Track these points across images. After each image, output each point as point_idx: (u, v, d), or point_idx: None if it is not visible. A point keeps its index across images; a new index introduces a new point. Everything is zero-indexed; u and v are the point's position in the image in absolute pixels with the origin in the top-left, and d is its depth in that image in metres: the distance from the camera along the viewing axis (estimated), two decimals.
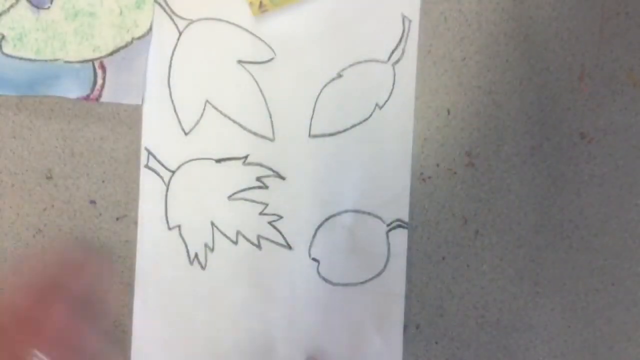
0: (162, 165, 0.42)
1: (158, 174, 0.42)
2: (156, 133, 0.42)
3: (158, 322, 0.43)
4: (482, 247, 0.42)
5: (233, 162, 0.42)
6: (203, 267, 0.43)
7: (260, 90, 0.41)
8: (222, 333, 0.43)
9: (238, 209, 0.42)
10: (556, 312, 0.42)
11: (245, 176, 0.42)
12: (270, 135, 0.42)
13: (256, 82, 0.41)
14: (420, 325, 0.43)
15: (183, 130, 0.42)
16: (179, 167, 0.42)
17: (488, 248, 0.42)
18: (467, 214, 0.42)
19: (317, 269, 0.42)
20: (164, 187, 0.42)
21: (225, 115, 0.42)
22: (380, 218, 0.42)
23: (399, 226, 0.42)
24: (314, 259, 0.42)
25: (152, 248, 0.43)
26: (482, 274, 0.42)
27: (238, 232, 0.42)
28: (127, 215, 0.43)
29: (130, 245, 0.43)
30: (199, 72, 0.42)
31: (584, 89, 0.41)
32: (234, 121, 0.42)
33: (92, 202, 0.43)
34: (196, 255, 0.43)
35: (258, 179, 0.42)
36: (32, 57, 0.42)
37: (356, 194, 0.42)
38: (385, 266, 0.42)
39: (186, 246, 0.43)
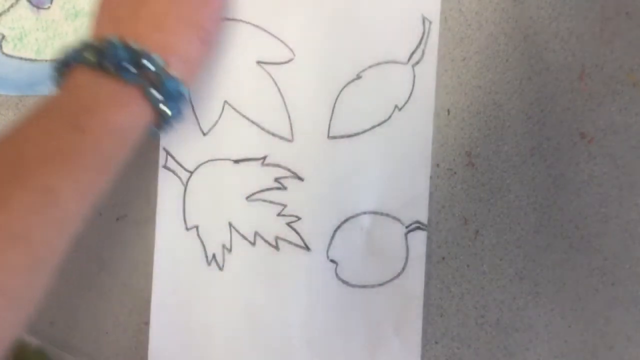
0: (180, 165, 0.42)
1: (176, 174, 0.42)
2: (174, 133, 0.42)
3: (175, 322, 0.43)
4: (482, 247, 0.42)
5: (251, 162, 0.42)
6: (221, 268, 0.42)
7: (279, 91, 0.41)
8: (240, 334, 0.43)
9: (256, 209, 0.42)
10: (556, 312, 0.42)
11: (263, 177, 0.42)
12: (288, 136, 0.42)
13: (275, 82, 0.41)
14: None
15: (201, 130, 0.42)
16: (197, 168, 0.42)
17: (488, 248, 0.42)
18: (467, 214, 0.42)
19: (335, 270, 0.42)
20: (182, 188, 0.42)
21: (243, 116, 0.42)
22: (399, 220, 0.42)
23: (418, 228, 0.41)
24: (332, 261, 0.42)
25: (169, 248, 0.43)
26: (482, 274, 0.42)
27: (256, 233, 0.42)
28: (127, 215, 0.43)
29: (130, 245, 0.43)
30: (217, 73, 0.42)
31: (584, 89, 0.41)
32: (253, 122, 0.42)
33: None
34: (214, 256, 0.42)
35: (276, 179, 0.42)
36: (33, 57, 0.42)
37: (375, 196, 0.42)
38: (403, 268, 0.42)
39: (204, 247, 0.42)
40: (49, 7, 0.42)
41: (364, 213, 0.42)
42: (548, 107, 0.41)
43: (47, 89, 0.42)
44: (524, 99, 0.41)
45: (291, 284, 0.42)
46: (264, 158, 0.42)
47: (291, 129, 0.42)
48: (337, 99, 0.41)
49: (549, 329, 0.43)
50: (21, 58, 0.42)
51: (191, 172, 0.42)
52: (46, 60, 0.42)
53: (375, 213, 0.42)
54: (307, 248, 0.42)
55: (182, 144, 0.42)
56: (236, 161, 0.42)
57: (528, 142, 0.42)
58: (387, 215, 0.42)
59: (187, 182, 0.42)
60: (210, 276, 0.43)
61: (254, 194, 0.42)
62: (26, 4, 0.42)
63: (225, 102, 0.42)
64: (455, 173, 0.42)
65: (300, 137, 0.42)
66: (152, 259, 0.43)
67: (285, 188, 0.42)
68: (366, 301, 0.42)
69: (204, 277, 0.43)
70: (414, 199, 0.41)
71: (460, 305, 0.42)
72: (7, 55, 0.42)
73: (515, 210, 0.42)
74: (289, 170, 0.42)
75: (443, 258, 0.42)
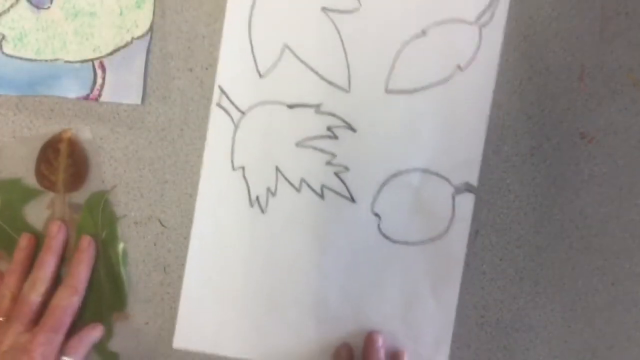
0: (234, 105, 0.42)
1: (228, 114, 0.42)
2: (231, 72, 0.42)
3: (212, 261, 0.43)
4: (482, 247, 0.42)
5: (305, 109, 0.42)
6: (263, 211, 0.42)
7: (341, 40, 0.41)
8: (276, 278, 0.42)
9: (305, 156, 0.42)
10: (556, 312, 0.42)
11: (316, 124, 0.42)
12: (346, 86, 0.41)
13: (338, 31, 0.41)
14: None
15: (258, 72, 0.42)
16: (250, 109, 0.42)
17: (488, 248, 0.42)
18: None
19: (378, 225, 0.42)
20: (233, 127, 0.42)
21: (302, 62, 0.41)
22: (448, 180, 0.41)
23: (467, 190, 0.41)
24: (376, 215, 0.42)
25: (213, 187, 0.42)
26: (482, 274, 0.42)
27: (302, 180, 0.42)
28: (127, 215, 0.43)
29: (130, 245, 0.43)
30: (281, 15, 0.41)
31: (584, 89, 0.41)
32: (311, 68, 0.41)
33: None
34: (257, 199, 0.42)
35: (329, 128, 0.41)
36: (32, 57, 0.42)
37: (426, 154, 0.41)
38: (447, 229, 0.41)
39: (248, 188, 0.42)
40: (49, 7, 0.42)
41: (414, 170, 0.41)
42: (548, 107, 0.41)
43: (47, 89, 0.42)
44: (524, 99, 0.41)
45: (332, 234, 0.42)
46: (319, 106, 0.41)
47: (349, 79, 0.41)
48: (399, 53, 0.41)
49: (549, 329, 0.43)
50: (21, 58, 0.42)
51: (243, 113, 0.42)
52: (46, 60, 0.42)
53: (425, 171, 0.41)
54: (352, 199, 0.42)
55: (237, 84, 0.42)
56: (290, 106, 0.42)
57: (528, 142, 0.42)
58: (437, 174, 0.41)
59: (238, 123, 0.42)
60: (252, 218, 0.42)
61: (304, 140, 0.42)
62: (26, 4, 0.42)
63: (286, 45, 0.41)
64: None
65: (358, 88, 0.41)
66: (152, 258, 0.43)
67: (336, 137, 0.41)
68: (406, 258, 0.42)
69: (246, 219, 0.42)
70: (466, 161, 0.41)
71: (460, 305, 0.42)
72: (7, 55, 0.42)
73: (515, 210, 0.42)
74: (342, 120, 0.41)
75: None
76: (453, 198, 0.41)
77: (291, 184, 0.42)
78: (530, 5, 0.41)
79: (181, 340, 0.43)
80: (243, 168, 0.42)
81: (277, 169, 0.42)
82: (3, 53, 0.42)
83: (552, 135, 0.41)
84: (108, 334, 0.43)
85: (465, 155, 0.41)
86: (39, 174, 0.42)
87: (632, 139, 0.41)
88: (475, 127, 0.41)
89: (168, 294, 0.43)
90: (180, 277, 0.43)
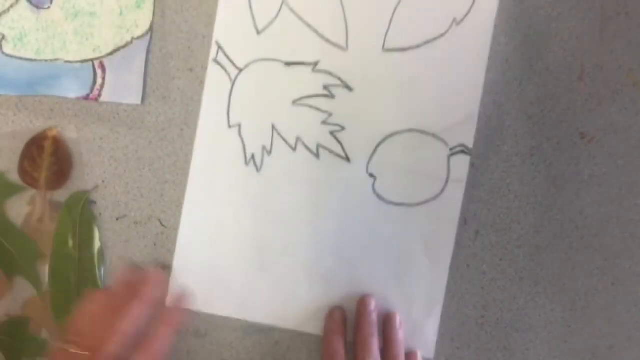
0: (231, 61, 0.42)
1: (225, 70, 0.42)
2: (228, 28, 0.41)
3: (206, 217, 0.43)
4: (482, 247, 0.42)
5: (302, 67, 0.42)
6: (258, 169, 0.42)
7: None
8: (270, 236, 0.42)
9: (301, 115, 0.42)
10: (556, 312, 0.42)
11: (312, 83, 0.42)
12: (343, 45, 0.41)
13: None
14: None
15: (256, 28, 0.42)
16: (247, 66, 0.42)
17: (488, 248, 0.42)
18: (467, 214, 0.42)
19: (373, 185, 0.42)
20: (230, 84, 0.42)
21: (300, 19, 0.41)
22: (443, 141, 0.41)
23: (462, 152, 0.41)
24: (371, 175, 0.42)
25: (209, 143, 0.42)
26: (482, 274, 0.42)
27: (298, 139, 0.42)
28: (127, 215, 0.43)
29: (130, 245, 0.43)
30: None
31: (584, 89, 0.41)
32: (309, 25, 0.41)
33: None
34: (253, 157, 0.42)
35: (325, 87, 0.41)
36: (32, 57, 0.42)
37: (422, 114, 0.41)
38: (442, 190, 0.41)
39: (244, 146, 0.42)
40: (49, 7, 0.42)
41: (410, 130, 0.41)
42: (548, 107, 0.41)
43: (47, 89, 0.42)
44: (524, 99, 0.41)
45: (327, 193, 0.42)
46: (316, 64, 0.41)
47: (347, 38, 0.41)
48: (395, 10, 0.41)
49: (549, 329, 0.43)
50: (21, 58, 0.42)
51: (240, 70, 0.42)
52: (46, 60, 0.42)
53: (420, 132, 0.41)
54: (348, 159, 0.42)
55: (234, 39, 0.42)
56: (287, 64, 0.42)
57: (528, 142, 0.42)
58: (433, 135, 0.41)
59: (235, 79, 0.42)
60: (247, 176, 0.42)
61: (300, 98, 0.42)
62: (26, 4, 0.42)
63: (284, 2, 0.41)
64: None
65: (355, 46, 0.41)
66: (152, 258, 0.43)
67: (333, 96, 0.41)
68: (400, 219, 0.42)
69: (241, 176, 0.42)
70: (462, 122, 0.41)
71: (460, 305, 0.43)
72: (7, 55, 0.42)
73: (515, 210, 0.42)
74: (339, 79, 0.41)
75: None
76: (448, 159, 0.41)
77: (287, 143, 0.42)
78: (530, 5, 0.41)
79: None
80: (239, 125, 0.42)
81: (273, 127, 0.42)
82: (3, 53, 0.42)
83: (552, 135, 0.42)
84: None
85: (461, 115, 0.41)
86: (22, 170, 0.42)
87: (632, 139, 0.41)
88: (471, 85, 0.41)
89: None
90: None
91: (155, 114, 0.43)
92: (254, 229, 0.42)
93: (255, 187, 0.42)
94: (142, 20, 0.42)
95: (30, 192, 0.43)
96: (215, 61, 0.42)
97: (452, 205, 0.41)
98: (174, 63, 0.42)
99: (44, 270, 0.43)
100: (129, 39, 0.42)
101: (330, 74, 0.41)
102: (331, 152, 0.42)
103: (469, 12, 0.40)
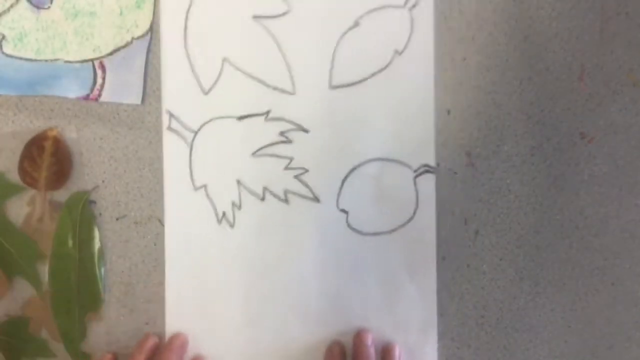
0: (184, 126, 0.42)
1: (181, 135, 0.42)
2: (176, 95, 0.42)
3: (190, 283, 0.43)
4: (482, 247, 0.42)
5: (255, 118, 0.42)
6: (232, 226, 0.42)
7: (278, 45, 0.41)
8: (255, 290, 0.43)
9: (263, 165, 0.42)
10: (556, 312, 0.42)
11: (268, 132, 0.42)
12: (290, 89, 0.42)
13: (273, 36, 0.41)
14: None
15: (202, 89, 0.42)
16: (201, 127, 0.42)
17: (488, 248, 0.42)
18: (467, 214, 0.42)
19: (347, 220, 0.42)
20: (188, 148, 0.42)
21: (243, 72, 0.42)
22: (406, 164, 0.42)
23: (426, 171, 0.41)
24: (343, 210, 0.42)
25: (179, 210, 0.42)
26: (482, 274, 0.42)
27: (265, 188, 0.42)
28: (127, 215, 0.43)
29: (130, 245, 0.43)
30: (214, 30, 0.41)
31: (584, 89, 0.41)
32: (253, 77, 0.42)
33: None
34: (224, 214, 0.42)
35: (281, 133, 0.42)
36: (32, 57, 0.42)
37: (381, 142, 0.42)
38: (414, 213, 0.42)
39: (214, 206, 0.42)
40: (49, 7, 0.42)
41: (371, 160, 0.42)
42: (548, 107, 0.41)
43: (47, 89, 0.42)
44: (524, 99, 0.41)
45: (303, 237, 0.42)
46: (267, 113, 0.42)
47: (292, 82, 0.42)
48: (336, 48, 0.41)
49: (549, 329, 0.43)
50: (21, 58, 0.42)
51: (195, 132, 0.42)
52: (46, 60, 0.42)
53: (382, 160, 0.42)
54: (317, 199, 0.42)
55: (184, 104, 0.42)
56: (240, 118, 0.42)
57: (528, 142, 0.42)
58: (395, 160, 0.42)
59: (192, 142, 0.42)
60: (222, 235, 0.42)
61: (259, 149, 0.42)
62: (26, 4, 0.42)
63: (225, 59, 0.42)
64: (455, 173, 0.42)
65: (302, 89, 0.42)
66: (152, 258, 0.43)
67: (290, 141, 0.42)
68: (379, 249, 0.42)
69: (216, 236, 0.43)
70: (420, 143, 0.41)
71: (460, 305, 0.43)
72: (7, 55, 0.42)
73: (515, 210, 0.42)
74: (293, 122, 0.42)
75: (443, 258, 0.42)
76: (414, 181, 0.42)
77: (255, 195, 0.42)
78: (530, 5, 0.41)
79: None
80: (205, 186, 0.42)
81: (239, 181, 0.42)
82: (3, 53, 0.42)
83: (552, 135, 0.42)
84: (81, 334, 0.43)
85: (418, 136, 0.41)
86: (22, 170, 0.42)
87: (632, 139, 0.41)
88: (422, 107, 0.41)
89: None
90: None
91: (155, 114, 0.43)
92: (238, 284, 0.43)
93: (231, 244, 0.43)
94: (142, 20, 0.42)
95: (30, 192, 0.43)
96: (170, 129, 0.42)
97: (427, 226, 0.42)
98: None
99: (44, 270, 0.43)
100: (129, 39, 0.42)
101: (283, 119, 0.42)
102: (299, 195, 0.42)
103: (408, 41, 0.41)
